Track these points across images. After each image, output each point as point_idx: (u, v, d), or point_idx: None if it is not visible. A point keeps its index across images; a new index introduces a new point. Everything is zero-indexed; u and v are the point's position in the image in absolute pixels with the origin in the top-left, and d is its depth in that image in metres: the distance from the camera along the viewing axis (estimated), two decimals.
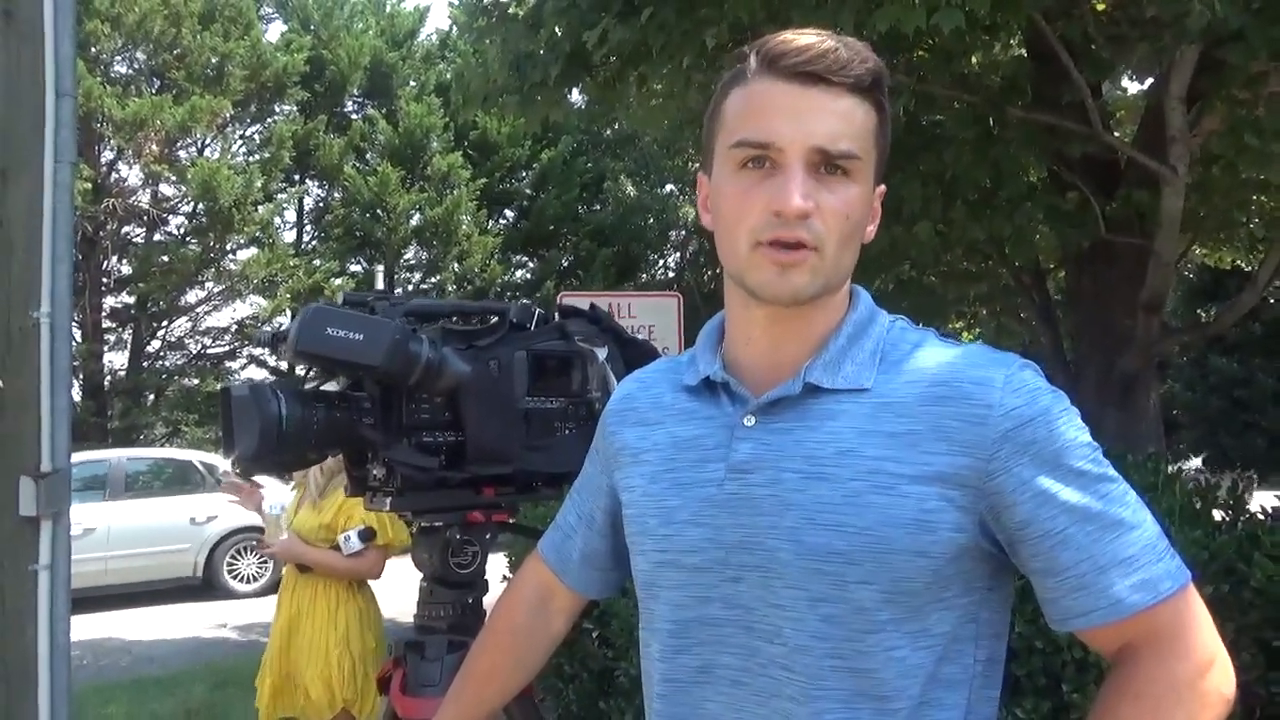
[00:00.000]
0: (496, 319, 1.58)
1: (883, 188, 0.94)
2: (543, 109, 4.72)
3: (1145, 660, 0.83)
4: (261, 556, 9.31)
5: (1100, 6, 4.81)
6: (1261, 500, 2.67)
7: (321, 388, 1.43)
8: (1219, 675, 0.82)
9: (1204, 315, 11.44)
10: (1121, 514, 0.84)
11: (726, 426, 0.92)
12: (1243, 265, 7.70)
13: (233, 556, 9.27)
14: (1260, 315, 10.86)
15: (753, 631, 0.88)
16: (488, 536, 1.53)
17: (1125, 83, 7.30)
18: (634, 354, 1.67)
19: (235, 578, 9.27)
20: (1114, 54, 4.52)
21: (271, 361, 15.47)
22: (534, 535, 1.27)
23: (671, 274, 18.13)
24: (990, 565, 0.88)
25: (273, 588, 9.19)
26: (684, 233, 17.70)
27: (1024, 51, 5.15)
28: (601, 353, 1.63)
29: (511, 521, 1.60)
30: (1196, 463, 12.74)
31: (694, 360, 1.00)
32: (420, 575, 1.55)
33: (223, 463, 9.87)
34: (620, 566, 1.11)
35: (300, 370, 1.47)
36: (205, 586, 9.11)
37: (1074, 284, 5.37)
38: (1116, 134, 5.72)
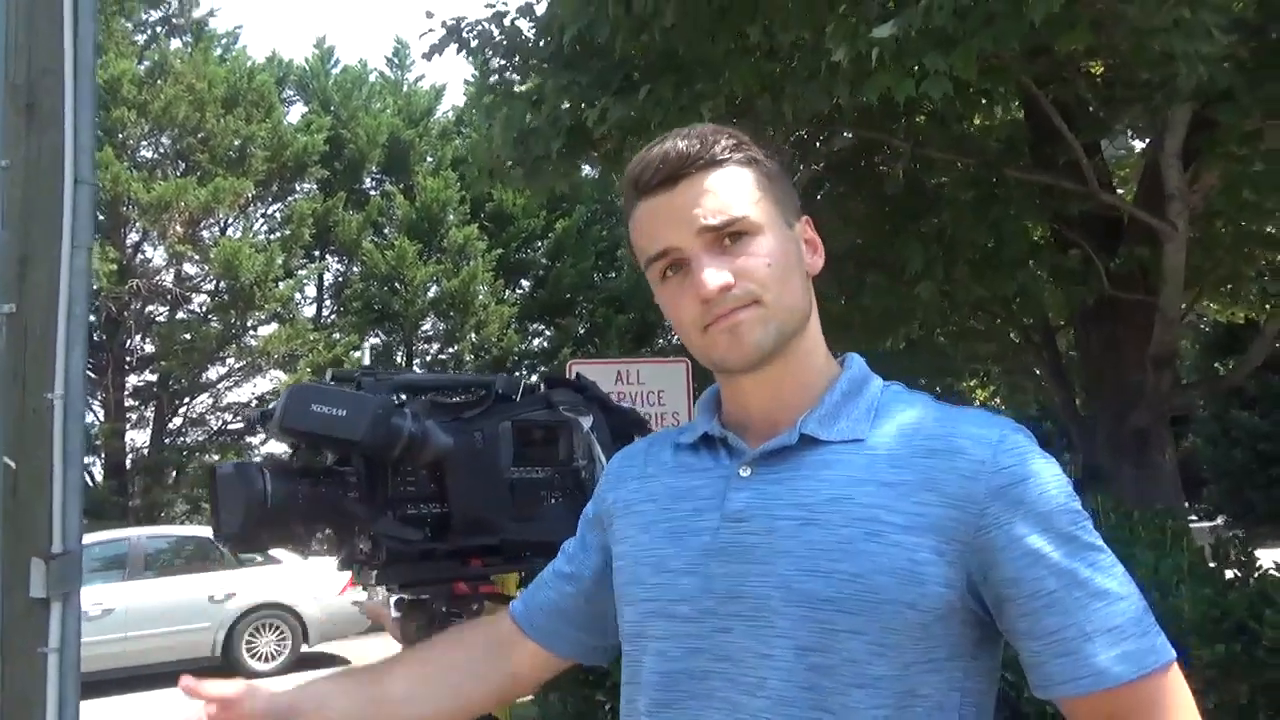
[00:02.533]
0: (483, 391, 1.61)
1: (806, 219, 0.98)
2: (551, 181, 4.84)
3: None
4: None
5: (1095, 69, 4.90)
6: (1274, 556, 2.63)
7: (309, 463, 1.46)
8: None
9: (1221, 369, 11.33)
10: (1108, 584, 0.83)
11: (723, 478, 0.94)
12: (1256, 318, 7.65)
13: (252, 634, 9.19)
14: (1278, 368, 10.76)
15: (736, 685, 0.87)
16: (474, 608, 1.54)
17: (1130, 141, 7.37)
18: (620, 422, 1.69)
19: (254, 656, 9.17)
20: (1108, 115, 4.59)
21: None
22: None
23: None
24: (977, 632, 0.87)
25: (292, 666, 9.15)
26: None
27: (1021, 114, 5.24)
28: (587, 421, 1.64)
29: (498, 592, 1.61)
30: (1220, 520, 12.50)
31: (693, 426, 1.02)
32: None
33: None
34: (593, 634, 1.08)
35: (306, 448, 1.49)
36: (224, 665, 8.99)
37: (1083, 340, 5.37)
38: (1120, 191, 5.77)
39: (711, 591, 0.89)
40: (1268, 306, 5.72)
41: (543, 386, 1.69)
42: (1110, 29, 3.22)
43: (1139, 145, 6.82)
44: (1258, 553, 2.65)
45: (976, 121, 5.45)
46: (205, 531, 10.28)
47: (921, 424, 0.90)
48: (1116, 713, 0.82)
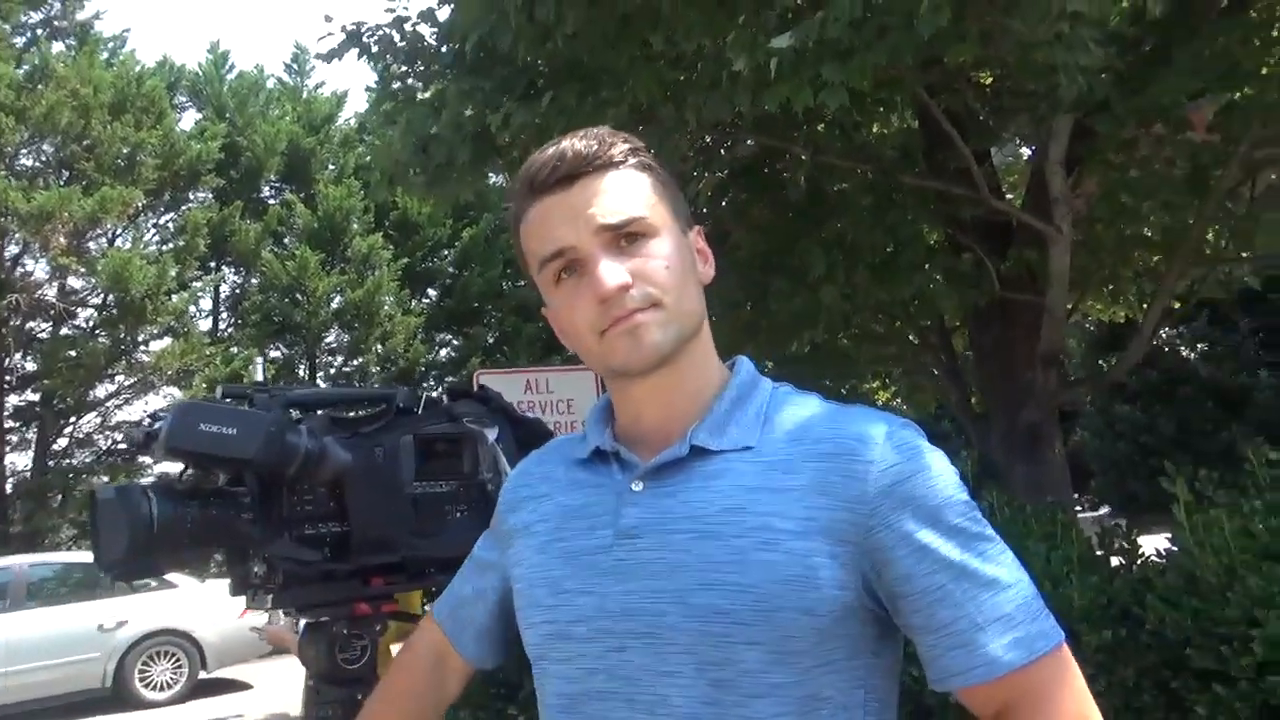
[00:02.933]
0: (383, 405, 1.57)
1: (698, 229, 0.98)
2: (455, 189, 4.77)
3: None
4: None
5: (983, 80, 5.10)
6: (1156, 543, 2.77)
7: (198, 484, 1.40)
8: None
9: (1105, 366, 11.93)
10: (998, 573, 0.85)
11: (615, 493, 0.92)
12: (1135, 318, 8.08)
13: (145, 663, 8.78)
14: (1158, 364, 11.40)
15: (634, 704, 0.86)
16: (377, 629, 1.50)
17: (1018, 149, 7.69)
18: (526, 433, 1.67)
19: (148, 686, 8.76)
20: (996, 124, 4.77)
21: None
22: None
23: None
24: (876, 629, 0.88)
25: (190, 694, 8.77)
26: None
27: (915, 123, 5.41)
28: (492, 433, 1.62)
29: (400, 611, 1.57)
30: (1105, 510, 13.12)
31: (585, 437, 1.00)
32: (305, 673, 1.50)
33: None
34: (510, 641, 1.10)
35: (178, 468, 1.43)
36: (116, 697, 8.58)
37: (976, 341, 5.56)
38: (1010, 197, 6.00)
39: (607, 611, 0.88)
40: (1144, 305, 6.03)
41: (445, 399, 1.66)
42: (997, 42, 3.34)
43: (1025, 153, 7.13)
44: (1141, 540, 2.79)
45: (874, 130, 5.60)
46: (89, 557, 9.78)
47: (810, 426, 0.90)
48: (1011, 697, 0.84)
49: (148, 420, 1.40)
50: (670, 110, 3.90)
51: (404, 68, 4.69)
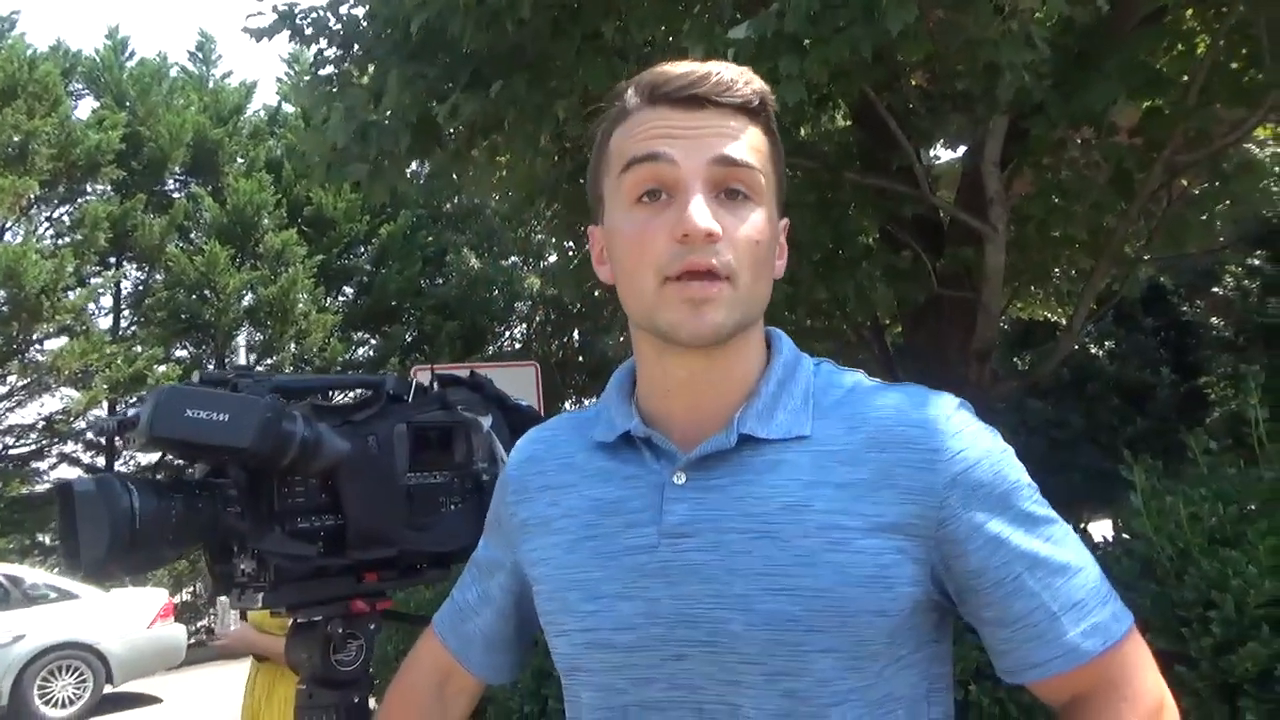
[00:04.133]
0: (373, 392, 1.48)
1: (786, 221, 0.90)
2: (391, 179, 4.63)
3: (1098, 710, 0.81)
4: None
5: (916, 81, 5.20)
6: (1098, 531, 2.85)
7: (178, 476, 1.29)
8: (1168, 717, 0.82)
9: (1020, 363, 12.36)
10: (1068, 557, 0.83)
11: (654, 486, 0.85)
12: (1050, 316, 8.38)
13: (46, 677, 8.30)
14: (1068, 361, 11.91)
15: (703, 712, 0.80)
16: (371, 628, 1.41)
17: (940, 151, 7.91)
18: (519, 420, 1.60)
19: (48, 702, 8.29)
20: (933, 123, 4.87)
21: (86, 458, 14.24)
22: (422, 623, 1.17)
23: (519, 345, 18.02)
24: (937, 616, 0.85)
25: (94, 710, 8.32)
26: (530, 303, 17.68)
27: (850, 122, 5.49)
28: (486, 421, 1.55)
29: (394, 610, 1.48)
30: None
31: (603, 414, 0.91)
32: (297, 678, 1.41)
33: (31, 573, 8.90)
34: (520, 652, 1.03)
35: (130, 462, 1.32)
36: (12, 716, 8.10)
37: (910, 337, 5.68)
38: (940, 193, 6.15)
39: (657, 617, 0.81)
40: (1068, 305, 6.26)
41: (435, 385, 1.58)
42: (948, 39, 3.40)
43: (952, 155, 7.32)
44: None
45: (812, 127, 5.66)
46: None
47: (865, 412, 0.84)
48: (1086, 684, 0.82)
49: (120, 407, 1.29)
50: None
51: (339, 51, 4.53)
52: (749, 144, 0.82)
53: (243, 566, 1.32)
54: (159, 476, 1.27)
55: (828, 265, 4.75)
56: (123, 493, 1.17)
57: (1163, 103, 4.31)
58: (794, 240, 3.75)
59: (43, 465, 14.33)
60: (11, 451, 14.14)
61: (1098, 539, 2.82)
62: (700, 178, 0.79)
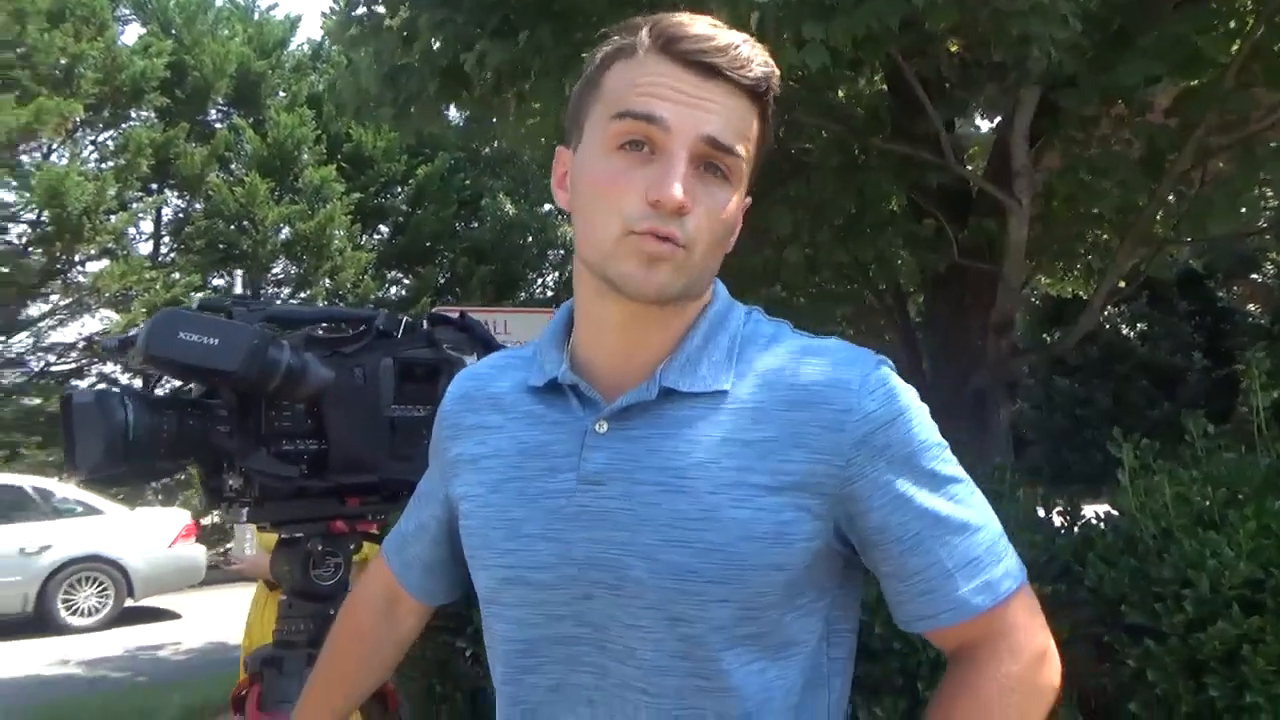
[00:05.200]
0: (363, 326, 1.56)
1: (748, 200, 0.91)
2: (418, 122, 4.67)
3: (983, 659, 0.85)
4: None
5: (953, 48, 5.13)
6: (1097, 509, 2.88)
7: (175, 394, 1.38)
8: (1048, 669, 0.86)
9: (1049, 339, 12.26)
10: (968, 515, 0.86)
11: (576, 433, 0.87)
12: (1081, 294, 8.29)
13: (69, 589, 8.60)
14: (1097, 339, 11.75)
15: (605, 650, 0.84)
16: (350, 547, 1.50)
17: (979, 121, 7.79)
18: None
19: (72, 611, 8.60)
20: (964, 93, 4.82)
21: (123, 378, 14.59)
22: None
23: (550, 293, 18.10)
24: (839, 563, 0.88)
25: (114, 622, 8.65)
26: (562, 252, 17.71)
27: (885, 86, 5.43)
28: (471, 360, 1.62)
29: (376, 532, 1.57)
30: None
31: (537, 355, 0.94)
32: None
33: (60, 488, 9.20)
34: (457, 577, 1.07)
35: (165, 385, 1.41)
36: (38, 622, 8.40)
37: (931, 306, 5.66)
38: (970, 167, 6.09)
39: (571, 558, 0.85)
40: (1092, 282, 6.19)
41: (425, 324, 1.65)
42: (976, 8, 3.36)
43: (985, 127, 7.21)
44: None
45: (843, 93, 5.61)
46: (17, 479, 9.43)
47: (783, 370, 0.86)
48: (974, 635, 0.86)
49: (120, 329, 1.37)
50: None
51: None
52: (743, 130, 0.83)
53: (231, 482, 1.41)
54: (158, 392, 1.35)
55: (850, 230, 4.75)
56: (118, 406, 1.26)
57: (1199, 83, 4.23)
58: (817, 203, 3.77)
59: (82, 383, 14.72)
60: (53, 369, 14.54)
61: (1088, 514, 2.86)
62: (687, 148, 0.80)
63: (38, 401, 13.64)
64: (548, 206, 17.91)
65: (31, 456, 12.83)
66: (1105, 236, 5.51)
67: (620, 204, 0.81)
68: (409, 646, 1.15)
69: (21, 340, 14.42)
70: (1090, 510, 2.90)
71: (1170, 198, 4.74)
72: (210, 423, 1.36)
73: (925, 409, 0.88)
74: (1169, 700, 2.11)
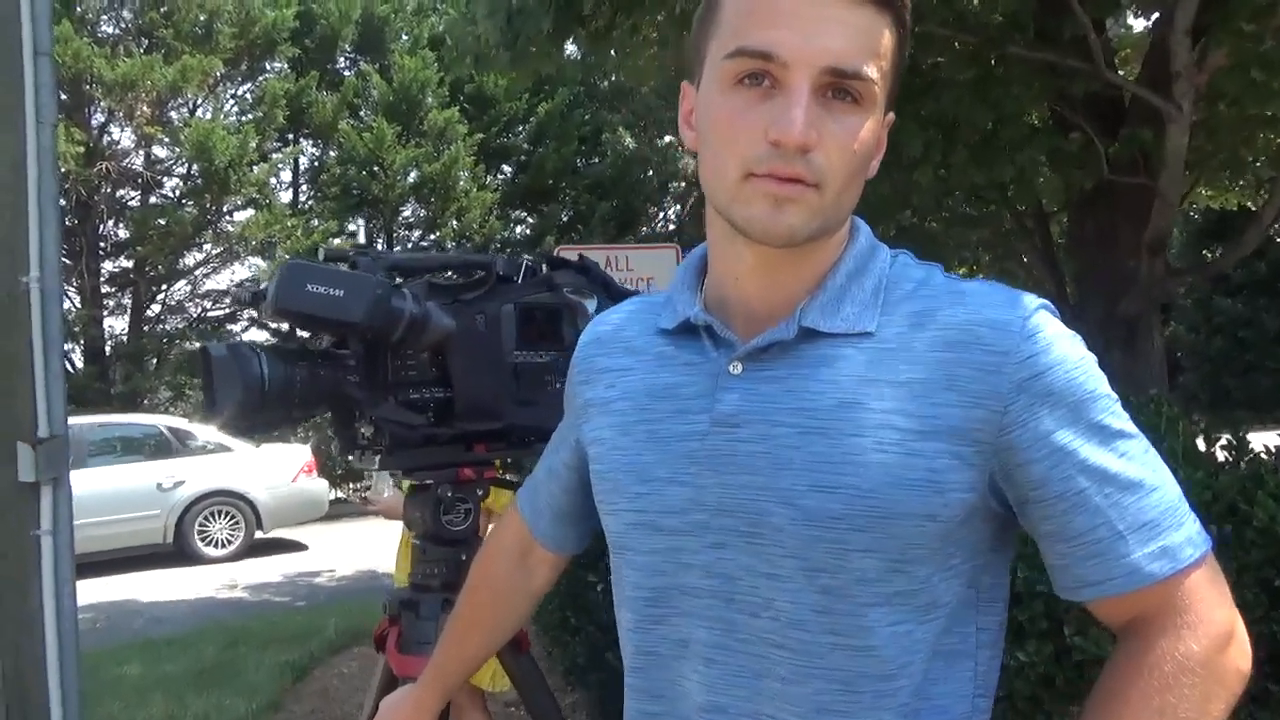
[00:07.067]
0: (483, 272, 1.55)
1: (891, 116, 0.84)
2: (535, 63, 4.63)
3: (1158, 634, 0.77)
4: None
5: None
6: (1264, 440, 2.65)
7: (305, 346, 1.41)
8: (1236, 650, 0.78)
9: (1209, 257, 11.35)
10: (1142, 474, 0.78)
11: (710, 374, 0.84)
12: (1249, 205, 7.61)
13: (204, 521, 9.22)
14: (1266, 255, 10.75)
15: (733, 604, 0.81)
16: (479, 493, 1.52)
17: (1130, 20, 7.16)
18: None
19: (208, 543, 9.21)
20: None
21: (273, 324, 15.44)
22: None
23: (672, 226, 18.00)
24: (995, 525, 0.82)
25: (246, 552, 9.28)
26: (684, 185, 17.53)
27: None
28: (591, 305, 1.59)
29: (504, 477, 1.59)
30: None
31: (670, 300, 0.91)
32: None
33: (198, 428, 9.81)
34: (588, 523, 1.06)
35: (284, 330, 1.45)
36: (178, 553, 9.05)
37: (1076, 227, 5.31)
38: (1121, 72, 5.61)
39: (702, 504, 0.82)
40: (1263, 193, 5.67)
41: (544, 268, 1.63)
42: None
43: (1139, 25, 6.63)
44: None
45: None
46: (151, 419, 10.11)
47: (935, 309, 0.80)
48: (1148, 608, 0.77)
49: (250, 281, 1.40)
50: None
51: None
52: (872, 46, 0.76)
53: (362, 430, 1.45)
54: (288, 345, 1.39)
55: (985, 148, 4.46)
56: (252, 358, 1.30)
57: None
58: (948, 122, 3.56)
59: (236, 328, 15.68)
60: (209, 315, 15.54)
61: (1258, 447, 2.65)
62: (808, 79, 0.75)
63: (197, 345, 14.59)
64: (668, 139, 17.70)
65: (195, 397, 13.81)
66: (1276, 143, 5.00)
67: (740, 145, 0.76)
68: (542, 597, 1.14)
69: (180, 288, 15.45)
70: (1257, 442, 2.67)
71: None
72: (341, 373, 1.39)
73: (1093, 358, 0.80)
74: None
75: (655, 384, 0.88)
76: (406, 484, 2.90)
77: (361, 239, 15.13)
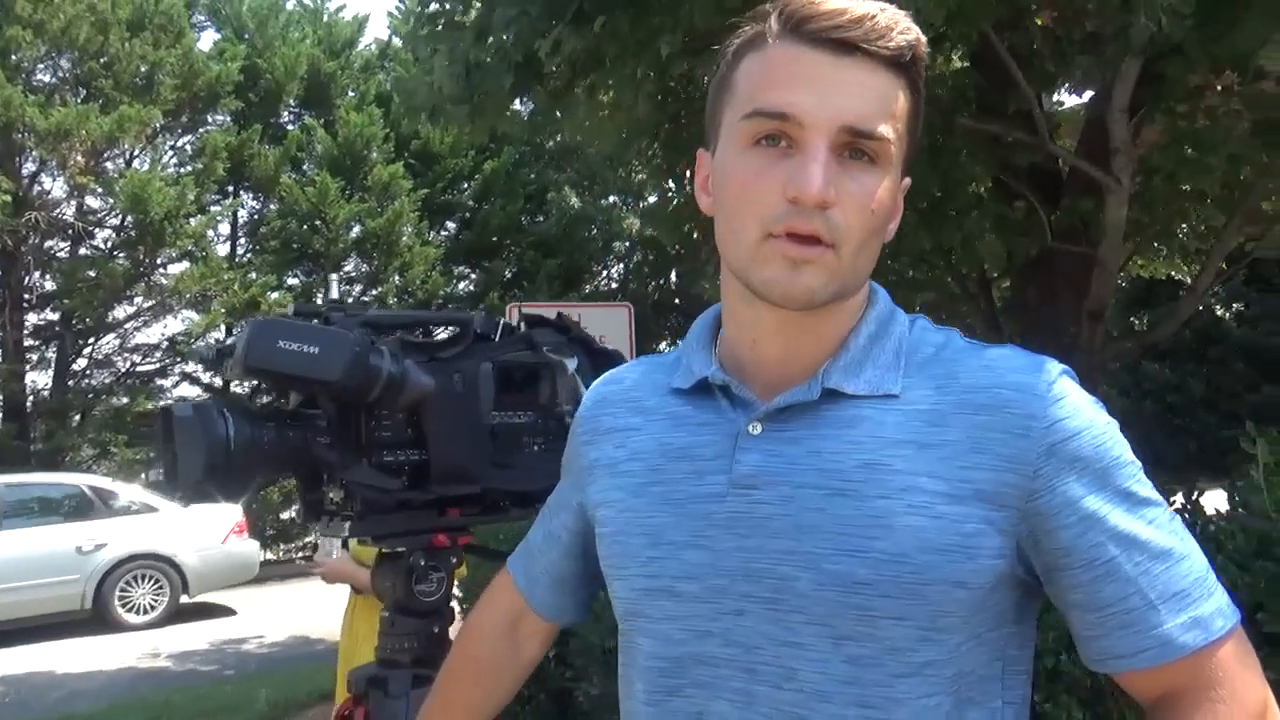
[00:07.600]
0: (459, 329, 1.49)
1: (908, 180, 0.84)
2: (491, 119, 4.63)
3: (1192, 709, 0.75)
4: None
5: (1040, 21, 4.90)
6: (1214, 502, 2.69)
7: (273, 406, 1.33)
8: None
9: (1137, 323, 11.77)
10: (1171, 542, 0.76)
11: (727, 434, 0.81)
12: (1174, 275, 7.92)
13: (125, 586, 8.75)
14: (1190, 323, 11.22)
15: (754, 675, 0.77)
16: (453, 561, 1.44)
17: (1063, 96, 7.47)
18: (605, 364, 1.59)
19: (129, 609, 8.74)
20: (1058, 66, 4.59)
21: (205, 378, 15.03)
22: (500, 558, 1.19)
23: (615, 285, 18.08)
24: (1020, 594, 0.79)
25: (170, 619, 8.83)
26: (628, 244, 17.68)
27: (968, 63, 5.22)
28: (571, 364, 1.54)
29: (476, 545, 1.51)
30: None
31: (682, 360, 0.88)
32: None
33: (121, 487, 9.37)
34: (587, 593, 1.02)
35: (237, 388, 1.37)
36: (97, 620, 8.57)
37: (1019, 292, 5.44)
38: (1061, 144, 5.83)
39: (721, 569, 0.78)
40: (1193, 264, 5.89)
41: (522, 325, 1.58)
42: None
43: (1074, 100, 6.91)
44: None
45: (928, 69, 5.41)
46: (73, 479, 9.59)
47: (958, 371, 0.79)
48: (1179, 682, 0.75)
49: (217, 339, 1.33)
50: (726, 39, 3.74)
51: None
52: (888, 108, 0.76)
53: (331, 495, 1.36)
54: (258, 402, 1.31)
55: (934, 214, 4.57)
56: (218, 419, 1.22)
57: None
58: None
59: (166, 383, 15.19)
60: (139, 369, 15.03)
61: (1210, 511, 2.68)
62: (826, 138, 0.74)
63: (125, 401, 14.10)
64: (612, 199, 17.88)
65: (120, 455, 13.27)
66: (1211, 215, 5.22)
67: (757, 204, 0.76)
68: (530, 673, 1.08)
69: (109, 342, 14.94)
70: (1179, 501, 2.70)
71: None
72: (311, 434, 1.31)
73: (1116, 424, 0.79)
74: None
75: (669, 444, 0.85)
76: (357, 547, 2.78)
77: (313, 297, 14.87)
